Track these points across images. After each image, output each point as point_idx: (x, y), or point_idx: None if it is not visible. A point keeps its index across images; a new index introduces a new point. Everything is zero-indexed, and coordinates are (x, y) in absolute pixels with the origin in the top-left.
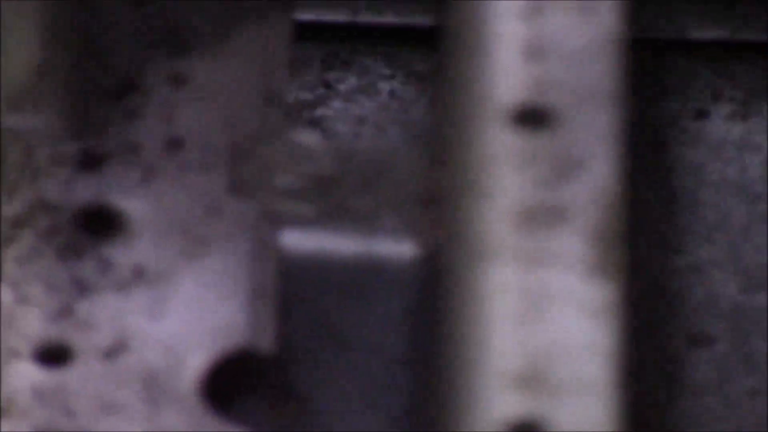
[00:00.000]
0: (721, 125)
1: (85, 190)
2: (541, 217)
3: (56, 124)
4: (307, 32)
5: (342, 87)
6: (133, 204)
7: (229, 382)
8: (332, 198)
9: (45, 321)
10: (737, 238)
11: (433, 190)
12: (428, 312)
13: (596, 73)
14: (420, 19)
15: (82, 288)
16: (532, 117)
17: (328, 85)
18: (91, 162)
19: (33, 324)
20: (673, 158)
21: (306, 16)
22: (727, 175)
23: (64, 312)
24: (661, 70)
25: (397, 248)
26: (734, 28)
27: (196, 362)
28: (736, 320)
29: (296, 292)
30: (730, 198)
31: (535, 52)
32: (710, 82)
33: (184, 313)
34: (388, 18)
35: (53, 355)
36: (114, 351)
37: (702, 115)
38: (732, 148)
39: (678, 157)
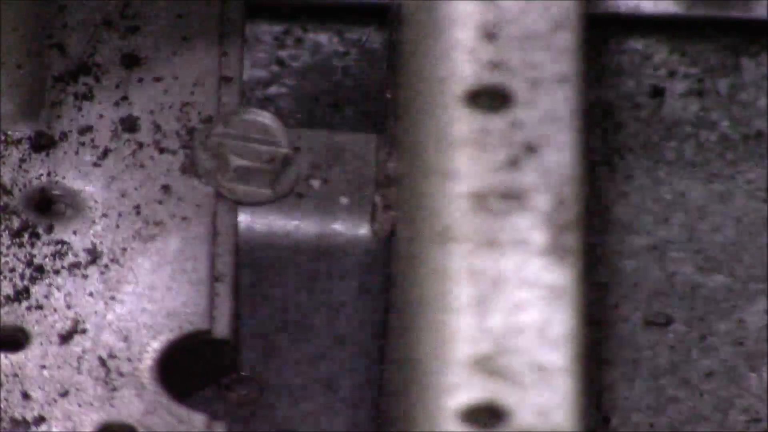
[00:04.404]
0: (677, 103)
1: (38, 173)
2: (497, 199)
3: (8, 106)
4: (259, 10)
5: (295, 65)
6: (87, 186)
7: (185, 365)
8: (287, 179)
9: (1, 305)
10: (694, 218)
11: (389, 171)
12: (384, 295)
13: (553, 55)
14: None
15: (38, 271)
16: (488, 98)
17: (281, 63)
18: (44, 144)
19: None
20: (629, 137)
21: None
22: (683, 153)
23: (20, 295)
24: (616, 47)
25: (354, 230)
26: (689, 4)
27: (152, 345)
28: (693, 301)
29: (251, 275)
30: (686, 177)
31: (491, 32)
32: (666, 59)
33: (140, 296)
34: None
35: (9, 340)
36: (70, 334)
37: (658, 92)
38: (688, 125)
39: (634, 136)
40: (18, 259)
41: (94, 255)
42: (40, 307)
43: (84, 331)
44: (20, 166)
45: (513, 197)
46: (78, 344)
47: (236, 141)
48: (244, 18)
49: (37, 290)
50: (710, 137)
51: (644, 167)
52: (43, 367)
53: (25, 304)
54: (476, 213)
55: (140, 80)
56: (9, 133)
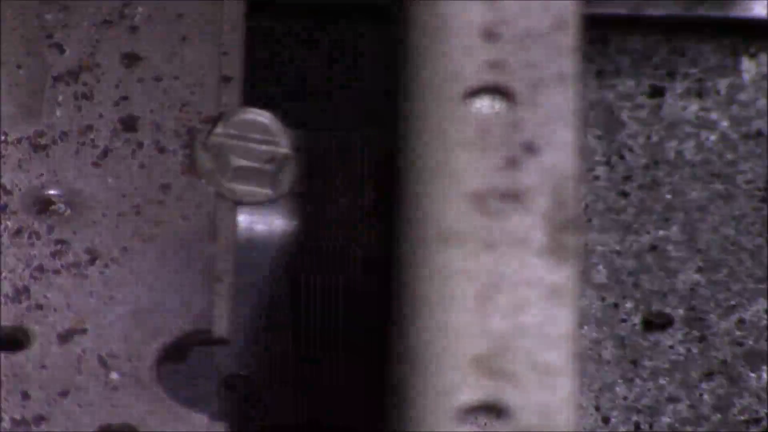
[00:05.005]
0: (677, 103)
1: (38, 173)
2: (497, 199)
3: (8, 106)
4: (259, 10)
5: (295, 65)
6: (87, 186)
7: (184, 365)
8: (287, 179)
9: (1, 305)
10: (694, 218)
11: (389, 171)
12: (384, 295)
13: (553, 55)
14: None
15: (38, 271)
16: (488, 98)
17: (281, 63)
18: (44, 144)
19: None
20: (629, 137)
21: None
22: (683, 153)
23: (20, 295)
24: (616, 47)
25: (353, 230)
26: (688, 5)
27: (152, 345)
28: (693, 301)
29: (251, 275)
30: (686, 176)
31: (491, 32)
32: (665, 60)
33: (140, 296)
34: None
35: (11, 340)
36: (70, 334)
37: (657, 92)
38: (688, 125)
39: (634, 136)
40: (18, 259)
41: (94, 255)
42: (40, 307)
43: (84, 331)
44: (20, 166)
45: (513, 197)
46: (78, 344)
47: (236, 141)
48: (244, 18)
49: (37, 290)
50: (710, 137)
51: (644, 167)
52: (43, 367)
53: (25, 304)
54: (476, 213)
55: (140, 80)
56: (9, 133)
